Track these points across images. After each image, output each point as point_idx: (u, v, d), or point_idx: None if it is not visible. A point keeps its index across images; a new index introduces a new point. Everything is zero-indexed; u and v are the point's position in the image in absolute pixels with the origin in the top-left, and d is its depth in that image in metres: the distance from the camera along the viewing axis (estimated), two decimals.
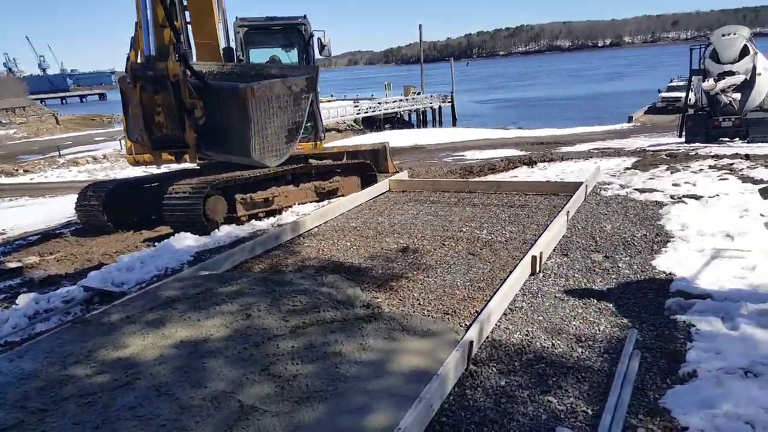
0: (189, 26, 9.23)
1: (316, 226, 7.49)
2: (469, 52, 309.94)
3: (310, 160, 10.47)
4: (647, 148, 16.16)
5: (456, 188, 9.03)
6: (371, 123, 49.25)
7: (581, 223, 6.70)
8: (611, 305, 4.63)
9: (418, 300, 4.93)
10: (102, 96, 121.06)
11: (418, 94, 57.45)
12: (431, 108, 55.70)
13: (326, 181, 10.17)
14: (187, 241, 7.09)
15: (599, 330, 4.24)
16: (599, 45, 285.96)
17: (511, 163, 13.77)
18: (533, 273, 5.29)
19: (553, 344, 4.07)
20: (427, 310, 4.70)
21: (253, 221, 8.39)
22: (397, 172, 12.38)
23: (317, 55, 10.60)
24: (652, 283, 5.01)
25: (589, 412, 3.29)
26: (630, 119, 35.72)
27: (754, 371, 3.47)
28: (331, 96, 69.72)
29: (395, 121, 52.23)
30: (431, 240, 6.55)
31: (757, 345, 3.79)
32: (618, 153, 14.40)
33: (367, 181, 10.59)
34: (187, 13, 8.87)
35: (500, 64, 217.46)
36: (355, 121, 48.89)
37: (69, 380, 3.53)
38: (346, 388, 3.33)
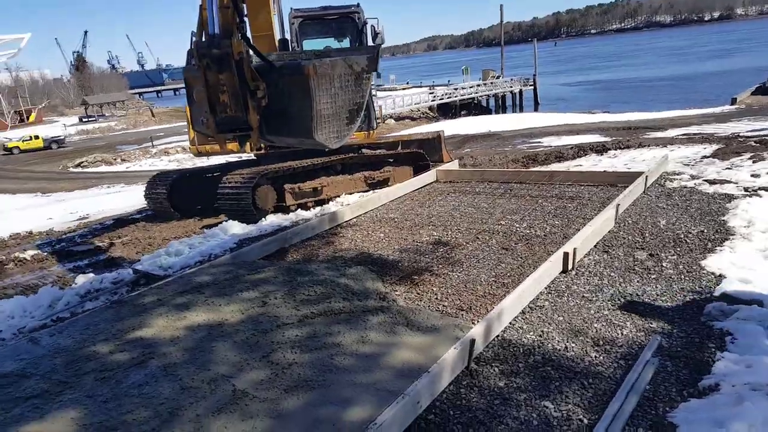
0: (246, 19, 9.54)
1: (355, 217, 7.54)
2: (558, 31, 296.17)
3: (363, 150, 10.52)
4: (742, 134, 14.78)
5: (504, 179, 8.73)
6: (447, 110, 48.60)
7: (633, 217, 6.26)
8: (643, 308, 4.31)
9: (436, 294, 4.85)
10: None
11: (498, 78, 55.95)
12: (511, 92, 54.06)
13: (377, 171, 10.19)
14: (234, 229, 7.40)
15: (622, 334, 3.97)
16: (705, 19, 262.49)
17: (581, 151, 13.12)
18: (565, 270, 5.03)
19: (566, 347, 3.86)
20: (443, 306, 4.62)
21: (299, 211, 8.58)
22: (451, 161, 12.17)
23: (370, 44, 10.58)
24: (696, 284, 4.61)
25: (585, 421, 3.11)
26: (733, 101, 32.53)
27: None
28: (407, 83, 69.53)
29: (472, 107, 51.14)
30: (466, 233, 6.40)
31: None
32: (703, 139, 13.26)
33: (420, 170, 10.50)
34: (243, 6, 9.15)
35: (592, 43, 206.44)
36: (430, 108, 48.53)
37: (94, 356, 3.82)
38: (335, 379, 3.35)
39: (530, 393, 3.39)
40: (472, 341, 3.67)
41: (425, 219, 7.15)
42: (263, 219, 8.02)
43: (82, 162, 34.56)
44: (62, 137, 45.58)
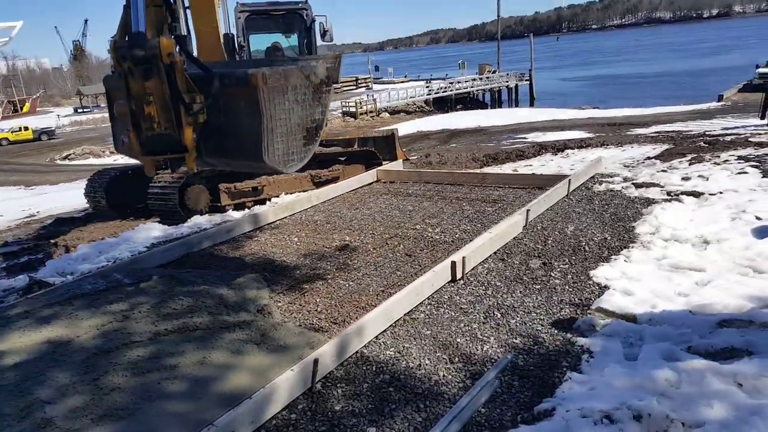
0: (188, 11, 9.33)
1: (279, 219, 7.36)
2: (559, 26, 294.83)
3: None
4: (713, 132, 14.61)
5: (439, 179, 8.55)
6: (443, 104, 48.40)
7: (544, 223, 6.08)
8: (515, 321, 4.15)
9: (317, 305, 4.69)
10: None
11: (494, 72, 55.75)
12: (507, 87, 53.81)
13: (325, 169, 10.02)
14: (152, 231, 7.24)
15: (481, 350, 3.81)
16: (704, 16, 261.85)
17: (542, 149, 13.02)
18: (453, 279, 4.86)
19: (420, 364, 3.71)
20: (317, 318, 4.47)
21: (230, 211, 8.41)
22: (407, 160, 11.99)
23: (319, 41, 10.40)
24: (576, 296, 4.45)
25: None
26: (720, 98, 32.30)
27: (614, 417, 2.94)
28: (405, 76, 69.37)
29: (468, 102, 50.95)
30: (378, 238, 6.23)
31: (642, 383, 3.22)
32: (665, 138, 13.10)
33: (372, 169, 10.32)
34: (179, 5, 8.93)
35: (594, 38, 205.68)
36: (426, 102, 48.38)
37: None
38: (150, 408, 3.19)
39: (361, 418, 3.23)
40: (316, 361, 3.51)
41: (347, 222, 6.98)
42: (188, 221, 7.85)
43: (70, 154, 34.37)
44: (53, 128, 45.10)
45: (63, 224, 9.56)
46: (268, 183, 9.23)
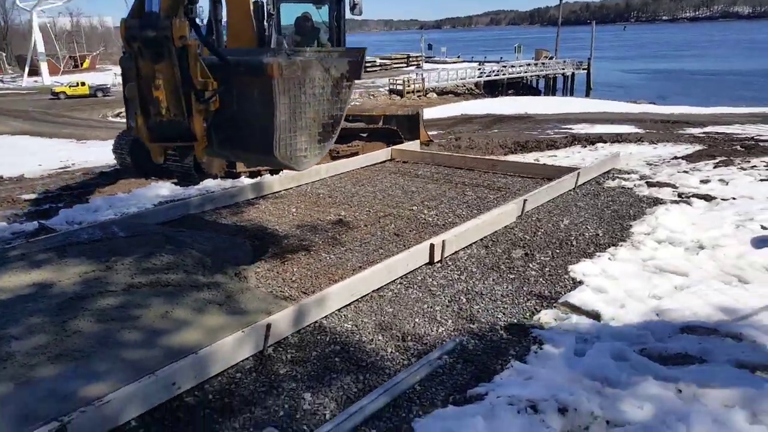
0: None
1: (284, 189, 7.49)
2: (627, 15, 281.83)
3: None
4: (759, 137, 13.82)
5: (451, 163, 8.46)
6: (493, 88, 47.43)
7: (541, 214, 5.97)
8: (477, 306, 4.15)
9: (293, 275, 4.80)
10: None
11: (551, 58, 54.10)
12: (563, 75, 52.13)
13: (344, 144, 10.06)
14: (161, 190, 7.51)
15: (435, 332, 3.84)
16: None
17: (574, 140, 12.70)
18: (431, 262, 4.86)
19: (372, 339, 3.77)
20: (289, 287, 4.58)
21: (243, 178, 8.58)
22: (431, 141, 11.89)
23: (348, 14, 10.36)
24: (547, 289, 4.39)
25: (327, 415, 3.03)
26: None
27: (539, 407, 2.94)
28: (458, 57, 68.23)
29: (520, 87, 49.69)
30: (372, 215, 6.27)
31: (580, 378, 3.20)
32: (698, 139, 12.50)
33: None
34: None
35: (663, 30, 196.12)
36: (476, 84, 47.56)
37: None
38: (102, 353, 3.38)
39: (300, 383, 3.33)
40: (268, 326, 3.62)
41: (347, 198, 7.04)
42: (199, 183, 8.09)
43: (122, 112, 35.70)
44: (107, 86, 46.20)
45: (90, 177, 10.01)
46: None
